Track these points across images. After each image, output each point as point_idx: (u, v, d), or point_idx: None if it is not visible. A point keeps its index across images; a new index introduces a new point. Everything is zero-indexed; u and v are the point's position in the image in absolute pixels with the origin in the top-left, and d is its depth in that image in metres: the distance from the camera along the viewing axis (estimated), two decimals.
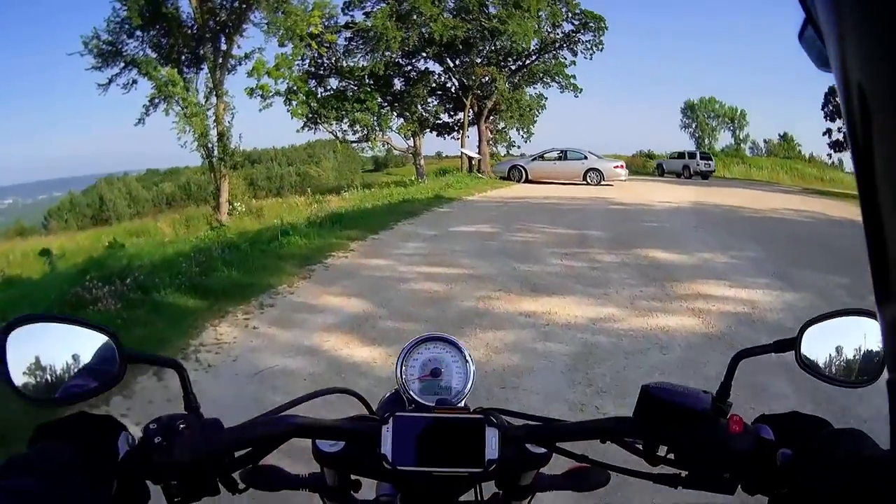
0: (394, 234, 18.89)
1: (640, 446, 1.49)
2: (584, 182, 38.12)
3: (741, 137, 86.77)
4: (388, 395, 1.97)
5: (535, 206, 26.58)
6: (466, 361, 1.81)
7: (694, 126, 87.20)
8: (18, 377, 1.28)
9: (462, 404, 1.74)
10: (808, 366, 1.48)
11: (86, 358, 1.36)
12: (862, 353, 1.46)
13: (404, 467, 1.46)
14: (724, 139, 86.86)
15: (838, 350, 1.48)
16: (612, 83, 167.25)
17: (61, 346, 1.35)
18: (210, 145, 35.65)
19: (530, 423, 1.59)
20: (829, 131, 64.68)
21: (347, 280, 12.78)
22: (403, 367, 1.79)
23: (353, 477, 1.70)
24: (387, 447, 1.46)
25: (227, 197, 36.27)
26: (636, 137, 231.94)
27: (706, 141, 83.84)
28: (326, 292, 11.96)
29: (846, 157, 61.47)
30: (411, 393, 1.75)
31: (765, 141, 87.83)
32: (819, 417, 1.38)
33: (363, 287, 12.11)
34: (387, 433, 1.47)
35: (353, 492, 1.75)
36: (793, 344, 1.47)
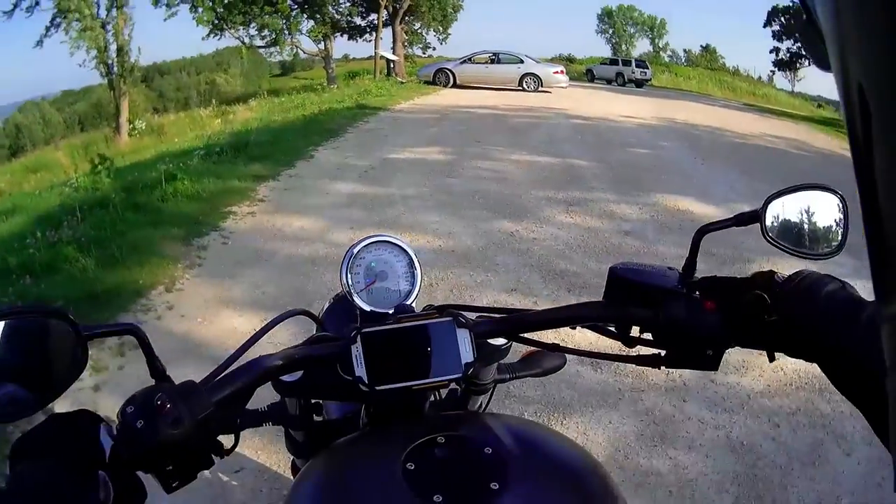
0: (314, 166, 14.18)
1: (614, 329, 1.49)
2: (520, 88, 34.43)
3: (660, 46, 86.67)
4: (327, 305, 2.12)
5: (480, 119, 22.25)
6: (412, 262, 1.78)
7: (611, 32, 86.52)
8: None
9: (413, 307, 1.64)
10: (773, 239, 1.43)
11: (36, 353, 1.22)
12: (822, 225, 1.46)
13: (384, 386, 1.37)
14: (641, 46, 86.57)
15: (800, 223, 1.46)
16: None
17: (16, 345, 1.17)
18: (110, 62, 33.62)
19: (490, 315, 1.55)
20: (776, 49, 66.67)
21: (254, 268, 8.48)
22: (349, 275, 1.72)
23: (312, 401, 1.70)
24: (360, 368, 1.37)
25: (128, 116, 34.25)
26: (552, 42, 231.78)
27: (623, 48, 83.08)
28: (223, 300, 7.56)
29: (783, 77, 70.76)
30: (360, 302, 1.70)
31: (685, 51, 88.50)
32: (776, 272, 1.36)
33: (279, 286, 7.93)
34: (356, 353, 1.37)
35: (315, 415, 1.73)
36: (756, 217, 1.43)
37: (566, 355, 1.68)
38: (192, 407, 1.18)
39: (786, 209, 1.42)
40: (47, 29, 33.22)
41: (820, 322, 1.19)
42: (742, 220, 1.41)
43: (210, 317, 7.07)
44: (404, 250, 1.77)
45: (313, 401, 1.67)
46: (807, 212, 1.43)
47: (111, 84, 33.67)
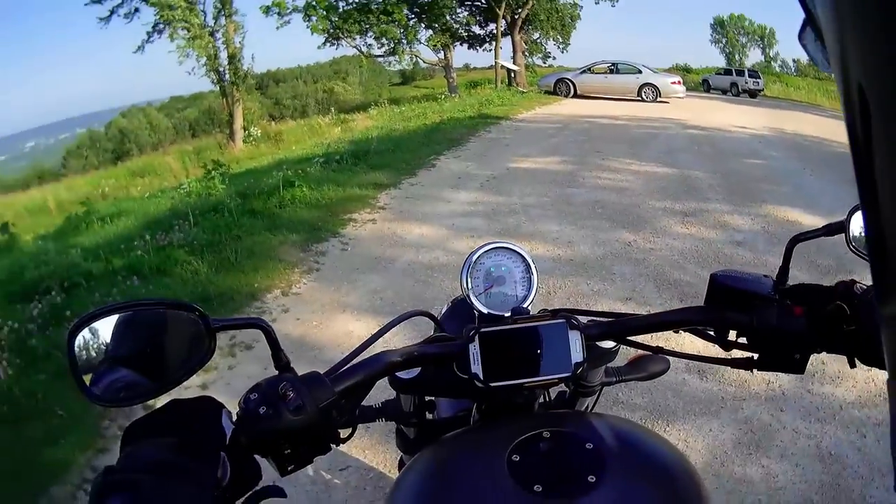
0: (436, 175, 14.11)
1: (712, 332, 1.52)
2: (639, 98, 33.34)
3: (771, 56, 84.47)
4: (446, 309, 2.20)
5: (601, 129, 21.91)
6: (529, 267, 1.81)
7: (724, 42, 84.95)
8: (97, 382, 1.20)
9: (529, 308, 1.66)
10: (856, 248, 1.52)
11: (172, 340, 1.29)
12: None
13: (497, 383, 1.44)
14: (753, 56, 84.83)
15: None
16: None
17: (140, 335, 1.27)
18: (221, 69, 33.58)
19: (601, 319, 1.59)
20: None
21: (373, 275, 8.45)
22: (469, 279, 1.78)
23: (426, 399, 1.80)
24: (476, 366, 1.43)
25: (242, 123, 34.16)
26: (668, 51, 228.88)
27: (737, 57, 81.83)
28: (340, 305, 7.55)
29: None
30: (479, 304, 1.75)
31: (794, 60, 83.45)
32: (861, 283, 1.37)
33: (398, 293, 7.86)
34: (473, 351, 1.43)
35: (428, 413, 1.83)
36: (842, 227, 1.53)
37: (669, 361, 1.75)
38: (315, 395, 1.23)
39: None
40: (149, 35, 33.61)
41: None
42: (831, 230, 1.52)
43: (326, 321, 7.08)
44: (522, 256, 1.80)
45: (427, 399, 1.77)
46: None
47: (223, 91, 33.93)
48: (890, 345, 0.69)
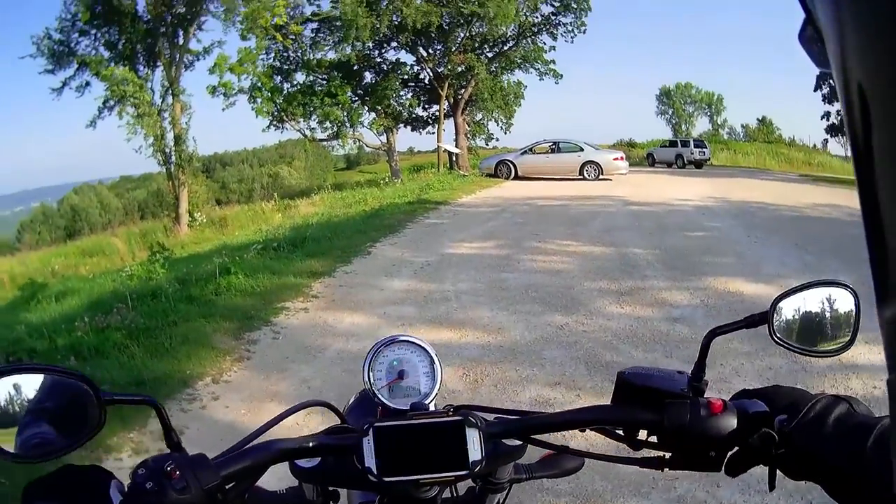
0: (371, 262, 14.22)
1: (621, 432, 1.51)
2: (581, 177, 33.71)
3: (719, 123, 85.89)
4: (353, 400, 2.13)
5: (540, 211, 22.23)
6: (433, 362, 1.76)
7: (670, 112, 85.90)
8: None
9: (432, 405, 1.69)
10: (781, 339, 1.44)
11: (62, 408, 1.30)
12: (831, 322, 1.47)
13: (390, 478, 1.41)
14: (701, 125, 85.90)
15: (808, 321, 1.47)
16: (585, 69, 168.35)
17: (35, 398, 1.28)
18: (168, 150, 33.70)
19: (505, 416, 1.59)
20: (826, 114, 63.66)
21: (303, 364, 8.49)
22: (370, 372, 1.73)
23: (330, 488, 1.73)
24: (370, 460, 1.41)
25: (187, 207, 34.08)
26: (613, 126, 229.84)
27: (683, 127, 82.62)
28: (269, 394, 7.64)
29: (836, 142, 66.35)
30: (381, 398, 1.71)
31: (742, 126, 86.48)
32: (801, 389, 1.43)
33: (326, 382, 7.92)
34: (368, 445, 1.42)
35: (333, 502, 1.76)
36: (765, 318, 1.44)
37: (584, 458, 1.70)
38: (200, 476, 1.25)
39: (796, 308, 1.45)
40: (100, 111, 33.39)
41: (827, 447, 1.21)
42: (753, 322, 1.42)
43: (254, 409, 7.12)
44: (426, 350, 1.77)
45: (331, 488, 1.71)
46: (818, 309, 1.45)
47: (169, 173, 33.86)
48: (890, 346, 0.68)
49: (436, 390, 1.73)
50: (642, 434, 1.47)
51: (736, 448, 1.38)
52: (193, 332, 9.59)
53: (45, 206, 59.55)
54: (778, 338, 1.42)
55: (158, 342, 9.18)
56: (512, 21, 41.77)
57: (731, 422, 1.36)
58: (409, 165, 47.98)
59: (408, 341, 1.78)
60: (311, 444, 1.43)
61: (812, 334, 1.45)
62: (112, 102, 32.82)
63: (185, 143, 33.57)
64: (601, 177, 33.64)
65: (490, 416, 1.53)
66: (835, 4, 0.61)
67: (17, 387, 1.24)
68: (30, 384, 1.25)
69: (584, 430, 1.54)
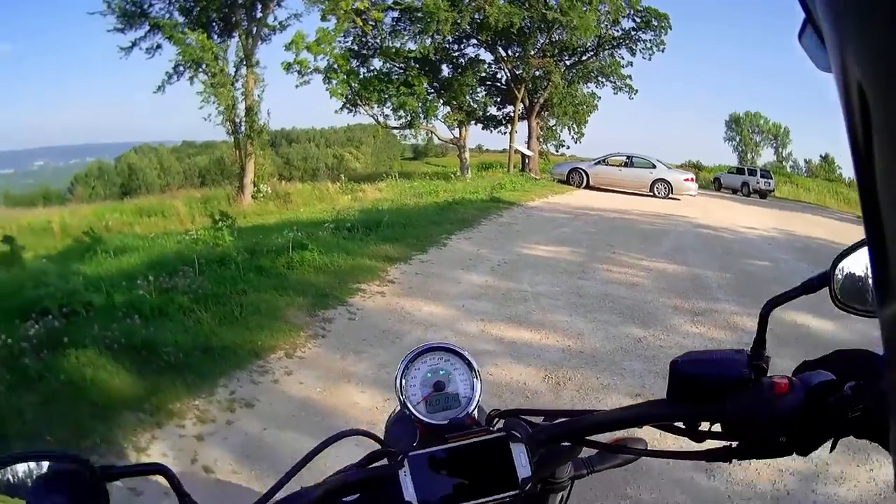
0: (447, 255, 14.11)
1: (681, 424, 1.38)
2: (651, 193, 33.55)
3: (783, 155, 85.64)
4: (394, 414, 1.94)
5: (612, 223, 21.95)
6: (470, 366, 1.72)
7: (738, 139, 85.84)
8: None
9: (475, 413, 1.68)
10: (844, 302, 1.33)
11: (63, 492, 1.20)
12: None
13: None
14: (766, 155, 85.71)
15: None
16: (659, 87, 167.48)
17: (34, 485, 1.20)
18: (238, 120, 33.17)
19: (555, 421, 1.49)
20: None
21: (380, 349, 8.29)
22: (403, 384, 1.69)
23: None
24: (409, 492, 1.31)
25: (252, 178, 33.79)
26: (681, 146, 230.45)
27: (749, 156, 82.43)
28: (345, 375, 7.42)
29: None
30: (418, 414, 1.65)
31: (805, 161, 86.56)
32: (864, 350, 1.28)
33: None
34: (405, 478, 1.33)
35: None
36: (824, 280, 1.34)
37: (646, 441, 1.61)
38: None
39: (858, 267, 1.34)
40: (169, 76, 33.58)
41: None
42: (811, 287, 1.34)
43: (330, 389, 7.01)
44: (461, 355, 1.73)
45: None
46: None
47: (237, 143, 33.72)
48: (890, 343, 0.67)
49: (476, 398, 1.69)
50: (704, 425, 1.36)
51: (806, 427, 1.26)
52: (265, 303, 9.50)
53: (101, 161, 59.71)
54: (840, 301, 1.34)
55: (227, 309, 9.10)
56: (593, 33, 41.69)
57: (799, 400, 1.25)
58: (477, 162, 48.63)
59: (442, 348, 1.73)
60: (346, 482, 1.36)
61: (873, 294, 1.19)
62: (183, 68, 32.97)
63: (256, 115, 33.19)
64: (670, 195, 33.52)
65: (538, 419, 1.47)
66: (835, 5, 0.61)
67: (14, 476, 1.18)
68: (28, 473, 1.20)
69: (640, 427, 1.43)
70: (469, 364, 1.70)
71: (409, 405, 1.64)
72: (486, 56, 45.26)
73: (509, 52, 43.76)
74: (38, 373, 6.81)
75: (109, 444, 5.89)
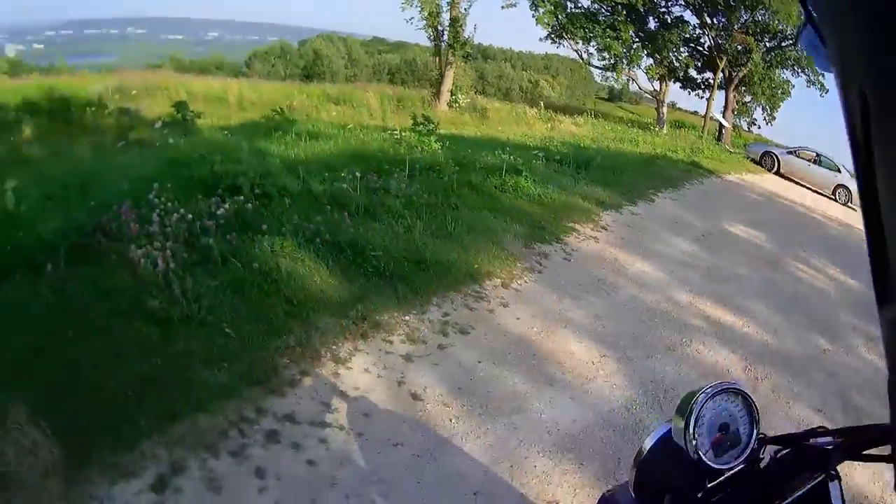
0: (656, 212, 14.13)
1: None
2: (832, 197, 31.99)
3: None
4: (652, 442, 1.80)
5: (802, 219, 21.81)
6: (752, 408, 1.67)
7: None
8: None
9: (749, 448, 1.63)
10: None
11: None
12: None
13: None
14: None
15: None
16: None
17: None
18: (440, 28, 33.19)
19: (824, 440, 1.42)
20: None
21: (595, 297, 8.29)
22: (692, 430, 1.60)
23: None
24: None
25: (450, 87, 33.62)
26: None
27: None
28: (562, 318, 7.41)
29: None
30: (707, 461, 1.59)
31: None
32: None
33: (620, 326, 7.60)
34: None
35: None
36: None
37: None
38: None
39: None
40: None
41: None
42: None
43: (547, 330, 6.93)
44: (747, 397, 1.69)
45: None
46: None
47: (437, 51, 33.77)
48: (890, 346, 0.74)
49: (755, 437, 1.66)
50: None
51: None
52: (479, 223, 9.48)
53: (283, 41, 58.88)
54: None
55: (440, 221, 9.07)
56: (793, 22, 40.50)
57: None
58: (671, 119, 47.47)
59: (728, 390, 1.69)
60: None
61: None
62: None
63: (461, 26, 33.07)
64: (849, 204, 31.60)
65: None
66: (835, 6, 0.64)
67: None
68: None
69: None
70: (750, 403, 1.68)
71: (697, 449, 1.60)
72: (692, 19, 44.24)
73: (714, 21, 42.95)
74: (221, 255, 6.77)
75: (304, 348, 5.79)
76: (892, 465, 1.25)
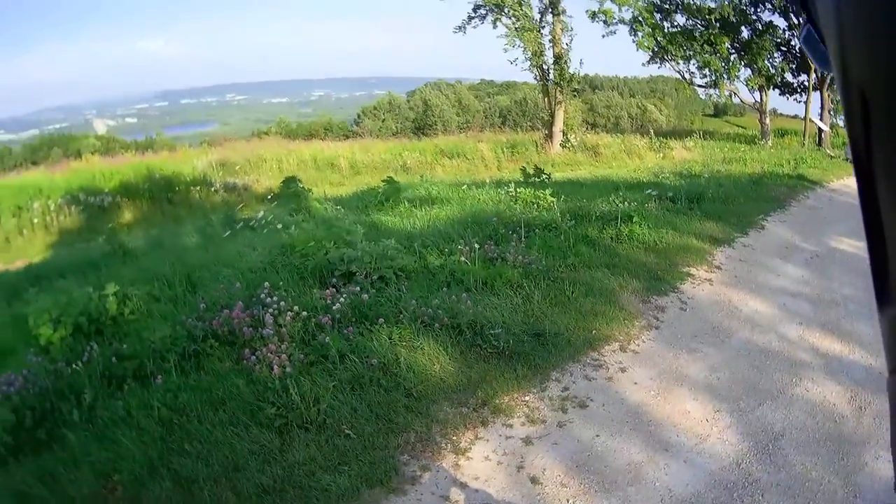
0: (766, 239, 13.73)
1: None
2: None
3: None
4: None
5: None
6: None
7: None
8: None
9: None
10: None
11: None
12: None
13: None
14: None
15: None
16: None
17: None
18: (545, 66, 33.69)
19: None
20: None
21: (711, 347, 8.08)
22: None
23: None
24: None
25: (562, 126, 34.09)
26: None
27: None
28: (678, 376, 7.31)
29: None
30: None
31: None
32: None
33: (734, 376, 7.41)
34: None
35: None
36: None
37: None
38: None
39: None
40: (470, 17, 34.02)
41: None
42: None
43: (664, 392, 6.87)
44: None
45: None
46: None
47: (546, 90, 33.98)
48: (890, 346, 0.76)
49: None
50: None
51: None
52: (597, 283, 9.33)
53: (392, 94, 57.98)
54: None
55: (558, 287, 8.94)
56: None
57: None
58: (774, 128, 45.83)
59: None
60: None
61: None
62: (484, 11, 33.45)
63: (566, 63, 33.53)
64: None
65: None
66: (835, 6, 0.65)
67: None
68: None
69: None
70: None
71: None
72: (780, 22, 43.23)
73: (800, 21, 41.66)
74: (340, 353, 6.76)
75: (425, 443, 5.83)
76: None
